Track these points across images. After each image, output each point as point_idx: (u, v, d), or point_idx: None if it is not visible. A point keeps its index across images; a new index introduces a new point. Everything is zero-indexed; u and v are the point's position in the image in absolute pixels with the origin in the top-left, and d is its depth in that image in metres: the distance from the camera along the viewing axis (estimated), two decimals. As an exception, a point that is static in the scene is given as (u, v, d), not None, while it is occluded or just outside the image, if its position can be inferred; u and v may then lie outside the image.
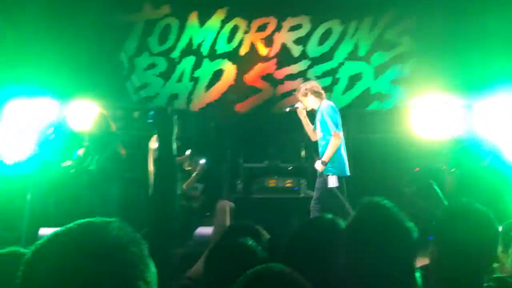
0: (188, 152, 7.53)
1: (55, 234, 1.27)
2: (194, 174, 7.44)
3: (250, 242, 2.66)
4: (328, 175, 6.29)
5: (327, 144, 6.30)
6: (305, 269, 2.28)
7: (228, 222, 4.66)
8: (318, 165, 6.29)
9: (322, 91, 6.78)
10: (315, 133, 6.56)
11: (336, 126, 6.29)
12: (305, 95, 6.40)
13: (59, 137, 6.69)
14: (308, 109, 6.57)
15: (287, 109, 6.47)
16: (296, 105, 6.42)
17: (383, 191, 7.23)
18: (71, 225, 1.29)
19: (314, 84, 6.61)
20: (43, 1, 7.92)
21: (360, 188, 7.13)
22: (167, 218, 3.52)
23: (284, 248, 2.64)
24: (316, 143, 6.68)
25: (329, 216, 2.75)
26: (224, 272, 2.46)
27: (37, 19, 7.75)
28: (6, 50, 7.31)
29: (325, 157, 6.24)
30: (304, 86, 6.50)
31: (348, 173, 6.50)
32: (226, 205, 4.68)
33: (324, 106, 6.45)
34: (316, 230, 2.66)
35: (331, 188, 6.24)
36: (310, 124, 6.73)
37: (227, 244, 2.75)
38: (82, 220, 1.30)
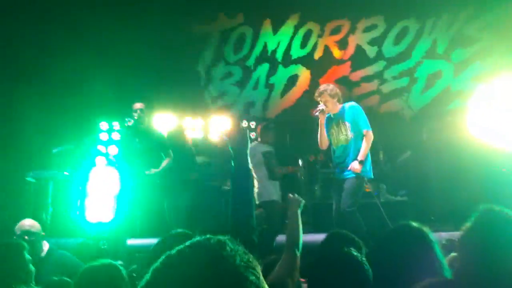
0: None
1: (169, 257, 1.22)
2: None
3: (356, 253, 2.63)
4: (364, 177, 6.06)
5: (358, 144, 5.92)
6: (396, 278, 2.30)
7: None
8: (356, 166, 5.83)
9: None
10: (326, 139, 6.10)
11: (368, 125, 6.05)
12: (333, 97, 6.03)
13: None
14: (330, 111, 6.04)
15: (316, 113, 5.99)
16: (322, 107, 5.91)
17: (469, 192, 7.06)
18: (183, 247, 1.23)
19: (337, 88, 6.25)
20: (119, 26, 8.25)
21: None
22: (246, 229, 3.61)
23: (373, 257, 2.59)
24: (326, 150, 6.41)
25: (415, 224, 2.66)
26: (330, 280, 2.48)
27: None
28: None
29: (362, 156, 5.86)
30: (329, 89, 6.08)
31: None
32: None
33: (354, 106, 6.09)
34: (405, 239, 2.52)
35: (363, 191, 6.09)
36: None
37: (332, 253, 2.73)
38: (193, 241, 1.24)
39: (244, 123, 7.46)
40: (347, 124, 5.97)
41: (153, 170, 6.43)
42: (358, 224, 5.63)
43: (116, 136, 6.80)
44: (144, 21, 8.41)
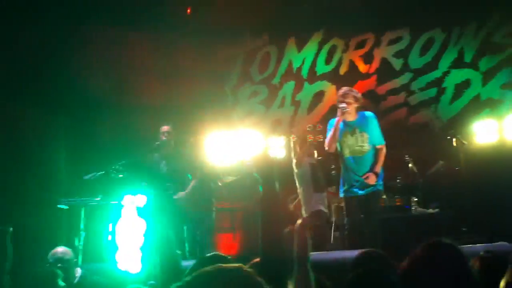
0: None
1: (201, 274, 1.29)
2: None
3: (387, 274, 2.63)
4: (380, 190, 5.87)
5: (372, 156, 5.75)
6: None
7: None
8: (373, 178, 5.67)
9: None
10: (336, 143, 5.82)
11: (383, 138, 5.89)
12: (356, 102, 5.83)
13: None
14: (346, 118, 5.79)
15: (342, 106, 5.67)
16: (344, 106, 5.65)
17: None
18: (217, 268, 1.30)
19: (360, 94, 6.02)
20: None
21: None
22: (275, 250, 3.63)
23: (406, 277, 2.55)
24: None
25: (448, 240, 2.61)
26: None
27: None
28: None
29: (378, 168, 5.71)
30: (355, 92, 5.88)
31: None
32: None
33: (374, 117, 5.89)
34: (440, 256, 2.48)
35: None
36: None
37: (369, 273, 2.73)
38: (207, 270, 1.30)
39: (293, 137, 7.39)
40: (365, 135, 5.79)
41: (181, 194, 6.50)
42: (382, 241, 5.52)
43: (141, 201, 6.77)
44: (171, 45, 8.56)
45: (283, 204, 7.47)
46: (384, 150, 5.85)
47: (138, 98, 8.06)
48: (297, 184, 6.80)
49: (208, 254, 3.24)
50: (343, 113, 5.73)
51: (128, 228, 6.27)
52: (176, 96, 8.45)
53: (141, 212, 6.33)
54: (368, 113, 5.94)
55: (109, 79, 7.91)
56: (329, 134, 5.83)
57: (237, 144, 7.85)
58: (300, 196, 6.82)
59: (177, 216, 6.40)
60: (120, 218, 6.05)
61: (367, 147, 5.80)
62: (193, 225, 6.59)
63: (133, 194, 6.35)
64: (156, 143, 6.85)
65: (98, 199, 6.12)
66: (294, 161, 6.69)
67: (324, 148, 6.12)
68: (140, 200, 6.20)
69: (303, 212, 6.72)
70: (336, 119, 5.78)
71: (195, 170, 6.87)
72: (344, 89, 5.93)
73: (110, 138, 8.00)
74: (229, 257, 3.26)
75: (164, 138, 6.80)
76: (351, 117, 5.83)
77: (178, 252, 3.83)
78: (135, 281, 5.57)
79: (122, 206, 6.66)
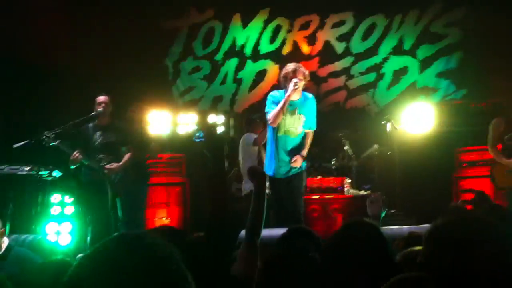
0: None
1: (93, 253, 1.28)
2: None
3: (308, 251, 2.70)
4: (304, 170, 5.84)
5: (302, 138, 5.68)
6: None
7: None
8: (300, 160, 5.61)
9: None
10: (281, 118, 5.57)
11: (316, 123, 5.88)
12: (305, 79, 5.54)
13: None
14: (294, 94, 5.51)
15: (295, 86, 5.50)
16: (298, 85, 5.40)
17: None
18: (107, 241, 1.29)
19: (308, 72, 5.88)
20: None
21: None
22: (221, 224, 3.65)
23: (327, 251, 2.63)
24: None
25: (368, 220, 2.71)
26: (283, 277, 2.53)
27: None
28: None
29: (305, 152, 5.67)
30: (305, 71, 5.72)
31: None
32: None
33: (314, 100, 5.77)
34: (359, 235, 2.54)
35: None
36: None
37: (286, 252, 2.77)
38: (115, 235, 1.31)
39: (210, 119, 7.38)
40: (303, 118, 5.66)
41: (114, 165, 6.36)
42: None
43: (69, 210, 6.52)
44: (111, 14, 8.31)
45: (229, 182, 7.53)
46: (312, 136, 5.79)
47: (76, 67, 7.82)
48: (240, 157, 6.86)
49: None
50: (294, 90, 5.46)
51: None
52: (116, 67, 8.26)
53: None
54: (311, 96, 5.85)
55: (46, 44, 7.62)
56: (277, 108, 5.52)
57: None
58: (241, 166, 6.89)
59: (108, 188, 6.26)
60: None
61: (300, 129, 5.71)
62: (126, 198, 6.49)
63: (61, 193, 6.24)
64: (92, 113, 6.66)
65: (29, 168, 5.93)
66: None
67: None
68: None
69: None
70: (287, 93, 5.50)
71: (130, 144, 6.75)
72: (295, 64, 5.66)
73: (44, 106, 7.75)
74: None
75: (100, 108, 6.60)
76: (297, 95, 5.62)
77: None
78: (63, 253, 5.48)
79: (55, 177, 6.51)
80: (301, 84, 5.54)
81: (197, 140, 7.83)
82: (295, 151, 5.65)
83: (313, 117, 5.73)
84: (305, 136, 5.73)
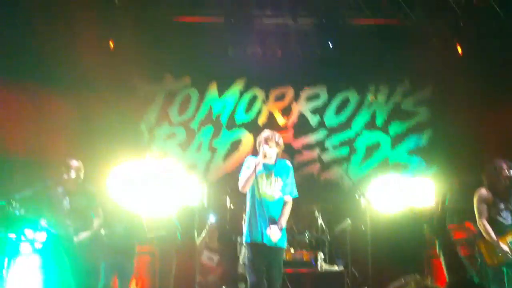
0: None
1: None
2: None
3: None
4: (283, 248, 5.54)
5: (280, 205, 5.49)
6: None
7: None
8: (277, 233, 5.36)
9: None
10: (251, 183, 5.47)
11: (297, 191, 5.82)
12: (278, 146, 5.46)
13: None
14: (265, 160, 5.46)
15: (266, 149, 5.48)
16: (269, 153, 5.40)
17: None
18: None
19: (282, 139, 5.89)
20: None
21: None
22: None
23: None
24: None
25: None
26: None
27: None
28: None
29: (284, 222, 5.45)
30: (279, 138, 5.74)
31: None
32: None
33: (291, 167, 5.64)
34: None
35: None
36: None
37: None
38: None
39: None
40: (280, 182, 5.54)
41: (84, 234, 6.21)
42: None
43: (42, 237, 6.30)
44: (87, 80, 8.29)
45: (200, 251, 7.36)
46: (291, 205, 5.72)
47: (48, 123, 7.72)
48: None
49: None
50: (265, 157, 5.42)
51: (25, 265, 5.86)
52: (91, 131, 8.18)
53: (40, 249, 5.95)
54: (287, 162, 5.82)
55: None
56: (246, 174, 5.44)
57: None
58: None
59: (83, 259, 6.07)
60: (18, 254, 5.67)
61: (278, 193, 5.64)
62: (112, 269, 6.31)
63: (33, 229, 5.98)
64: (62, 176, 6.50)
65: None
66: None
67: None
68: (40, 236, 5.85)
69: None
70: (257, 160, 5.43)
71: (100, 210, 6.61)
72: (268, 132, 5.62)
73: (13, 167, 7.55)
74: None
75: (71, 173, 6.46)
76: (271, 160, 5.53)
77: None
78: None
79: (21, 240, 6.23)
80: (273, 151, 5.53)
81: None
82: (274, 217, 5.51)
83: (291, 183, 5.63)
84: (284, 205, 5.61)
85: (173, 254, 7.20)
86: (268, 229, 5.40)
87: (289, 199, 5.56)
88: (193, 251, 7.27)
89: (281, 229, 5.42)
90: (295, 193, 5.60)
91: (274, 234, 5.37)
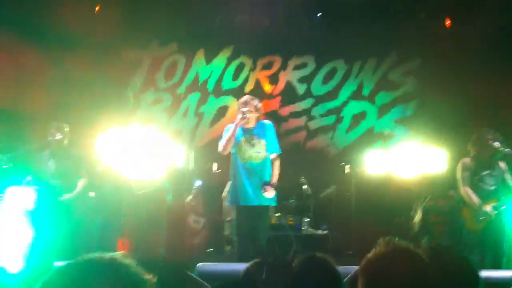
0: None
1: (58, 271, 1.25)
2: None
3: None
4: (271, 206, 5.88)
5: (267, 164, 5.69)
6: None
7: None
8: (271, 191, 5.57)
9: None
10: (231, 145, 5.67)
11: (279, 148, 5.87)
12: (256, 111, 5.70)
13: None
14: (245, 123, 5.70)
15: (241, 123, 5.64)
16: (245, 116, 5.57)
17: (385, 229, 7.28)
18: (75, 261, 1.27)
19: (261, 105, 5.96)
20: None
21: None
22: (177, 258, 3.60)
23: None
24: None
25: (320, 255, 2.75)
26: None
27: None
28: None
29: (276, 179, 5.64)
30: (257, 102, 5.76)
31: None
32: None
33: (271, 125, 5.83)
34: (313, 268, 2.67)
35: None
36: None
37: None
38: (89, 256, 1.29)
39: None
40: (263, 142, 5.72)
41: (67, 195, 6.25)
42: None
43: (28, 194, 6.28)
44: (73, 43, 8.18)
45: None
46: (279, 162, 5.82)
47: (34, 91, 7.63)
48: None
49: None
50: (242, 119, 5.65)
51: (10, 224, 5.83)
52: (76, 94, 8.11)
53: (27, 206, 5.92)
54: (267, 122, 5.93)
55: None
56: (226, 136, 5.68)
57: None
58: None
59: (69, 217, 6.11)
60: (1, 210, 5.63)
61: (263, 153, 5.74)
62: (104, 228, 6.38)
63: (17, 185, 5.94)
64: (48, 138, 6.51)
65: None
66: None
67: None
68: (26, 193, 5.81)
69: None
70: (235, 123, 5.70)
71: (84, 172, 6.65)
72: (246, 97, 5.91)
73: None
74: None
75: (57, 135, 6.48)
76: (250, 124, 5.76)
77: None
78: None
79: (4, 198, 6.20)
80: (251, 115, 5.66)
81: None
82: (260, 177, 5.63)
83: (274, 141, 5.78)
84: (271, 163, 5.72)
85: (163, 214, 7.19)
86: (262, 189, 5.53)
87: (275, 156, 5.69)
88: (184, 212, 7.28)
89: (274, 187, 5.56)
90: (278, 149, 5.73)
91: (269, 193, 5.51)
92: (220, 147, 5.76)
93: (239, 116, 5.68)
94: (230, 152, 5.85)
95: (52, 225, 5.92)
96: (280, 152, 5.81)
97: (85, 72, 8.34)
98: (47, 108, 7.82)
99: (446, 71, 8.51)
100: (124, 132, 7.39)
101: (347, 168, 7.69)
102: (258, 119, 5.82)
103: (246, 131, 5.76)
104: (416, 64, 9.16)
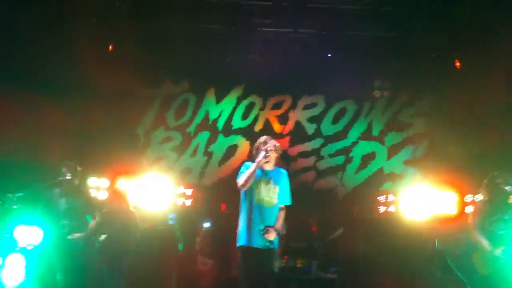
0: None
1: None
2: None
3: None
4: (276, 250, 5.85)
5: (276, 211, 5.58)
6: None
7: None
8: (272, 234, 5.50)
9: None
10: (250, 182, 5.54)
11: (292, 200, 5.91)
12: (276, 152, 5.60)
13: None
14: (265, 165, 5.61)
15: (264, 160, 5.65)
16: (268, 155, 5.51)
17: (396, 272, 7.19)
18: None
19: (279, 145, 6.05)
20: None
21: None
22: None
23: None
24: None
25: None
26: None
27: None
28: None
29: (279, 226, 5.56)
30: (278, 145, 5.89)
31: None
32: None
33: (287, 175, 5.77)
34: None
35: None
36: None
37: None
38: None
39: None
40: (277, 189, 5.65)
41: (76, 235, 6.24)
42: None
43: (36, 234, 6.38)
44: (83, 81, 8.29)
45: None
46: (285, 212, 5.80)
47: (45, 125, 7.70)
48: None
49: None
50: (265, 157, 5.54)
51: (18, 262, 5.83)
52: (87, 132, 8.18)
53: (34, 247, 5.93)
54: (283, 170, 5.92)
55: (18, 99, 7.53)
56: (247, 172, 5.52)
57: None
58: None
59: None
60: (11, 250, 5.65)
61: (275, 200, 5.73)
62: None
63: (27, 225, 5.96)
64: (59, 178, 6.55)
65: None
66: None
67: None
68: (34, 233, 5.82)
69: None
70: (257, 160, 5.55)
71: (95, 211, 6.66)
72: (265, 136, 5.80)
73: (10, 169, 7.53)
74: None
75: (69, 174, 6.51)
76: (269, 166, 5.68)
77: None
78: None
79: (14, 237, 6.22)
80: (272, 154, 5.64)
81: (170, 222, 7.71)
82: (270, 222, 5.59)
83: (287, 191, 5.75)
84: (279, 210, 5.69)
85: (171, 259, 7.18)
86: (265, 232, 5.49)
87: (283, 207, 5.66)
88: (193, 256, 7.29)
89: (277, 233, 5.51)
90: (290, 201, 5.69)
91: (271, 236, 5.46)
92: (240, 182, 5.62)
93: (262, 153, 5.62)
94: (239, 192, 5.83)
95: (58, 263, 5.93)
96: (290, 204, 5.77)
97: (97, 111, 8.42)
98: (59, 147, 7.86)
99: (456, 112, 8.49)
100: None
101: (355, 210, 7.63)
102: (276, 161, 5.80)
103: (264, 173, 5.74)
104: (426, 104, 9.16)
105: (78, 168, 6.66)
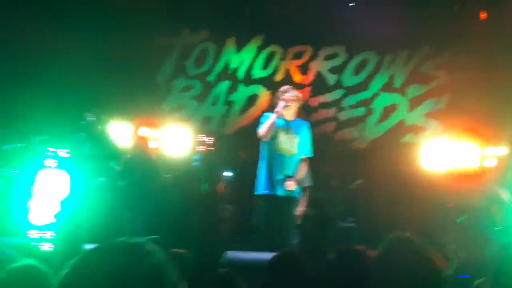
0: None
1: (88, 254, 1.27)
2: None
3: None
4: (298, 198, 5.85)
5: (297, 161, 5.71)
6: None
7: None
8: (292, 184, 5.61)
9: None
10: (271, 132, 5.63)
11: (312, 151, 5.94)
12: (298, 103, 5.78)
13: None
14: (284, 115, 5.72)
15: (281, 110, 5.62)
16: (287, 104, 5.58)
17: (413, 224, 7.22)
18: (104, 244, 1.30)
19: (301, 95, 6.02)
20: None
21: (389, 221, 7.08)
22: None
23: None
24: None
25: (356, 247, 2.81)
26: None
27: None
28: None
29: (300, 177, 5.70)
30: (299, 94, 5.89)
31: None
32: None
33: (309, 126, 5.88)
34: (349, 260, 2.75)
35: None
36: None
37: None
38: (116, 240, 1.30)
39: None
40: (297, 139, 5.74)
41: (101, 179, 6.36)
42: None
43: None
44: (105, 29, 8.24)
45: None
46: (306, 164, 5.84)
47: (69, 75, 7.72)
48: None
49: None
50: (284, 107, 5.64)
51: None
52: (107, 81, 8.17)
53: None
54: (306, 122, 5.95)
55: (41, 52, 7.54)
56: (267, 122, 5.64)
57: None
58: None
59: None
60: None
61: (295, 150, 5.77)
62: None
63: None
64: (83, 122, 6.62)
65: (15, 172, 5.77)
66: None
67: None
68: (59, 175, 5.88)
69: None
70: (276, 110, 5.68)
71: (120, 158, 6.74)
72: (287, 86, 5.90)
73: (32, 114, 7.60)
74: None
75: (91, 119, 6.58)
76: (290, 116, 5.76)
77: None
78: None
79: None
80: (293, 104, 5.66)
81: (195, 163, 7.78)
82: (289, 171, 5.64)
83: (307, 143, 5.79)
84: (300, 161, 5.73)
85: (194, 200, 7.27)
86: (285, 182, 5.54)
87: (305, 158, 5.69)
88: (215, 200, 7.39)
89: (297, 183, 5.56)
90: (310, 152, 5.72)
91: (290, 186, 5.51)
92: (261, 132, 5.73)
93: (282, 103, 5.65)
94: (259, 141, 5.86)
95: (83, 208, 6.03)
96: (310, 156, 5.78)
97: (116, 58, 8.41)
98: (78, 95, 7.89)
99: (479, 65, 8.34)
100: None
101: (374, 161, 7.64)
102: (298, 111, 5.82)
103: (285, 123, 5.75)
104: (449, 56, 9.00)
105: (101, 114, 6.72)
